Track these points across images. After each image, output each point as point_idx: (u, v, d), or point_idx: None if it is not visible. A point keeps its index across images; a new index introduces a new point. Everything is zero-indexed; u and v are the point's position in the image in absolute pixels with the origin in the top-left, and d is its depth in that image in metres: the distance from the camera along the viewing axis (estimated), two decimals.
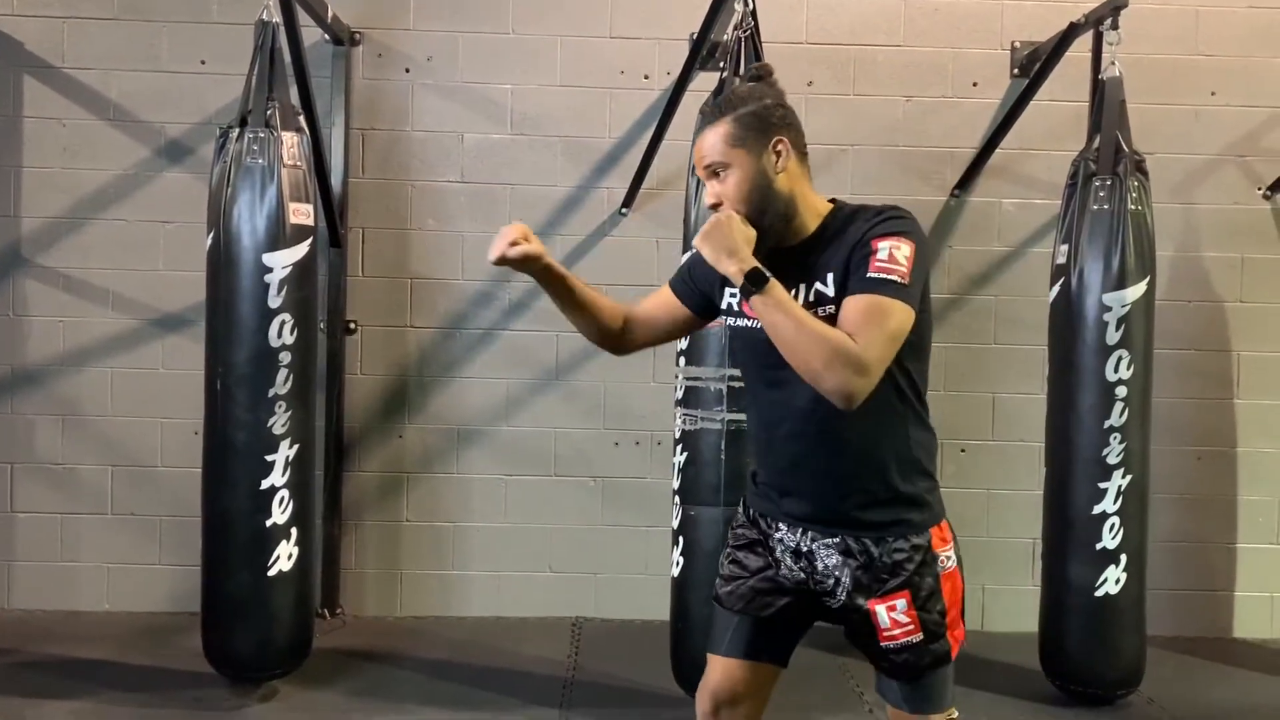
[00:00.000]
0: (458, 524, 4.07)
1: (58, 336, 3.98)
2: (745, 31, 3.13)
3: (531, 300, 4.01)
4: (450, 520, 4.07)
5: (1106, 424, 3.22)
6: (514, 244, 1.91)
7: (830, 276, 1.85)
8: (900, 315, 1.78)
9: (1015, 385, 4.01)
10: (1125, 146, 3.30)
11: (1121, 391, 3.22)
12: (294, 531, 3.19)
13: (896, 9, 4.00)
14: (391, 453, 4.06)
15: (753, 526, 2.06)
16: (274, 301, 3.09)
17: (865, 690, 3.35)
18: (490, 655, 3.70)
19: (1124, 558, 3.24)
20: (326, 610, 3.98)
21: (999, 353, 4.04)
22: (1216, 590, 4.08)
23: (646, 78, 4.00)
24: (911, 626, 1.89)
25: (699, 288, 2.08)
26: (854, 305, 1.78)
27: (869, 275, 1.78)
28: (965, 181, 4.00)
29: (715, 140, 1.90)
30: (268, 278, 3.09)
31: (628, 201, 3.97)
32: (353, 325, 4.02)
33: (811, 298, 1.86)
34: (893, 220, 1.84)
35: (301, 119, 3.24)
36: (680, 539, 3.12)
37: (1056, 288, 3.36)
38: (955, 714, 1.98)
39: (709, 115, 1.94)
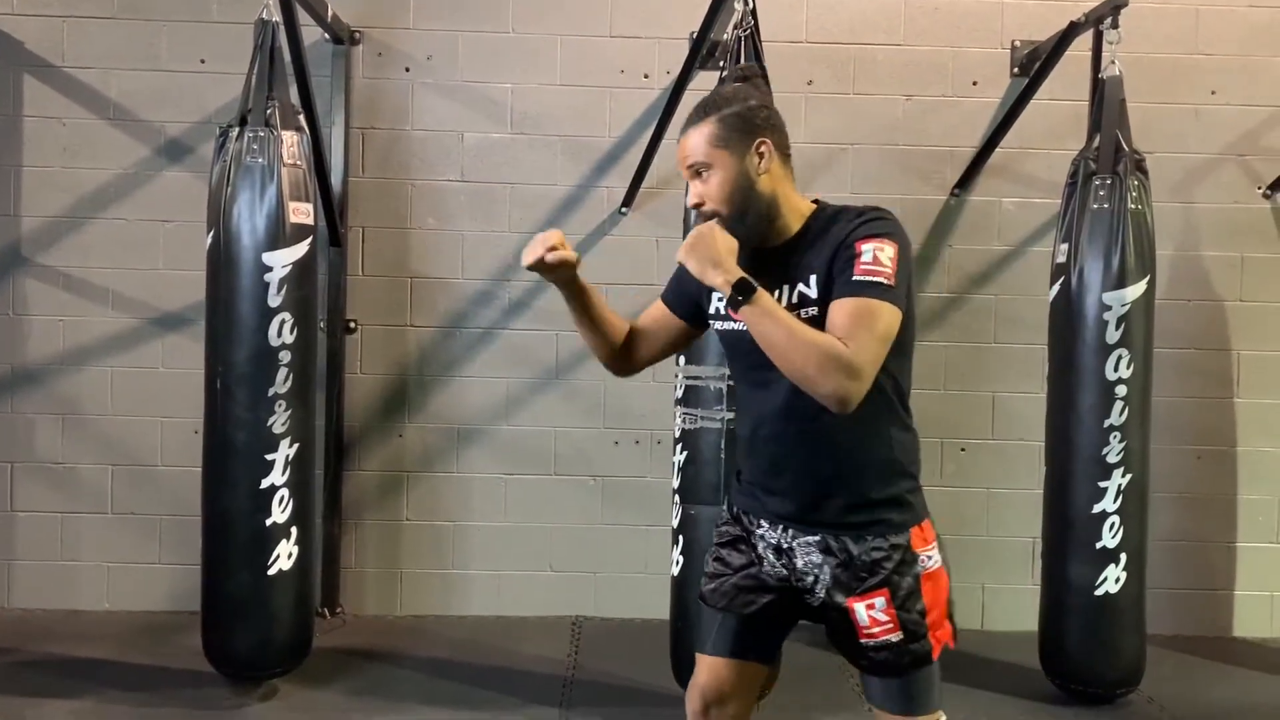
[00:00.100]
0: (458, 523, 4.08)
1: (58, 336, 3.98)
2: (745, 31, 3.13)
3: (531, 299, 4.01)
4: (450, 519, 4.08)
5: (1106, 423, 3.22)
6: (552, 249, 1.92)
7: (813, 278, 1.86)
8: (889, 317, 1.79)
9: (1015, 384, 4.01)
10: (1125, 145, 3.30)
11: (1121, 390, 3.22)
12: (294, 530, 3.19)
13: (896, 8, 4.00)
14: (391, 452, 4.06)
15: (736, 523, 2.07)
16: (274, 300, 3.09)
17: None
18: (490, 654, 3.70)
19: (1124, 557, 3.24)
20: (326, 609, 3.98)
21: (999, 352, 4.04)
22: (1216, 589, 4.08)
23: (646, 77, 4.00)
24: (890, 625, 1.89)
25: (688, 297, 2.08)
26: (842, 309, 1.79)
27: (855, 278, 1.79)
28: (965, 180, 4.00)
29: (699, 140, 1.91)
30: (267, 277, 3.09)
31: (628, 201, 3.97)
32: (353, 324, 4.02)
33: (795, 299, 1.87)
34: (875, 222, 1.85)
35: (301, 118, 3.24)
36: (680, 538, 3.12)
37: (1056, 287, 3.36)
38: (943, 718, 1.97)
39: (694, 115, 1.94)
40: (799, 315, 1.84)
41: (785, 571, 1.99)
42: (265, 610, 3.16)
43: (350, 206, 4.00)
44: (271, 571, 3.14)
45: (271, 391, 3.11)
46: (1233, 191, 4.03)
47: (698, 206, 1.94)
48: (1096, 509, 3.23)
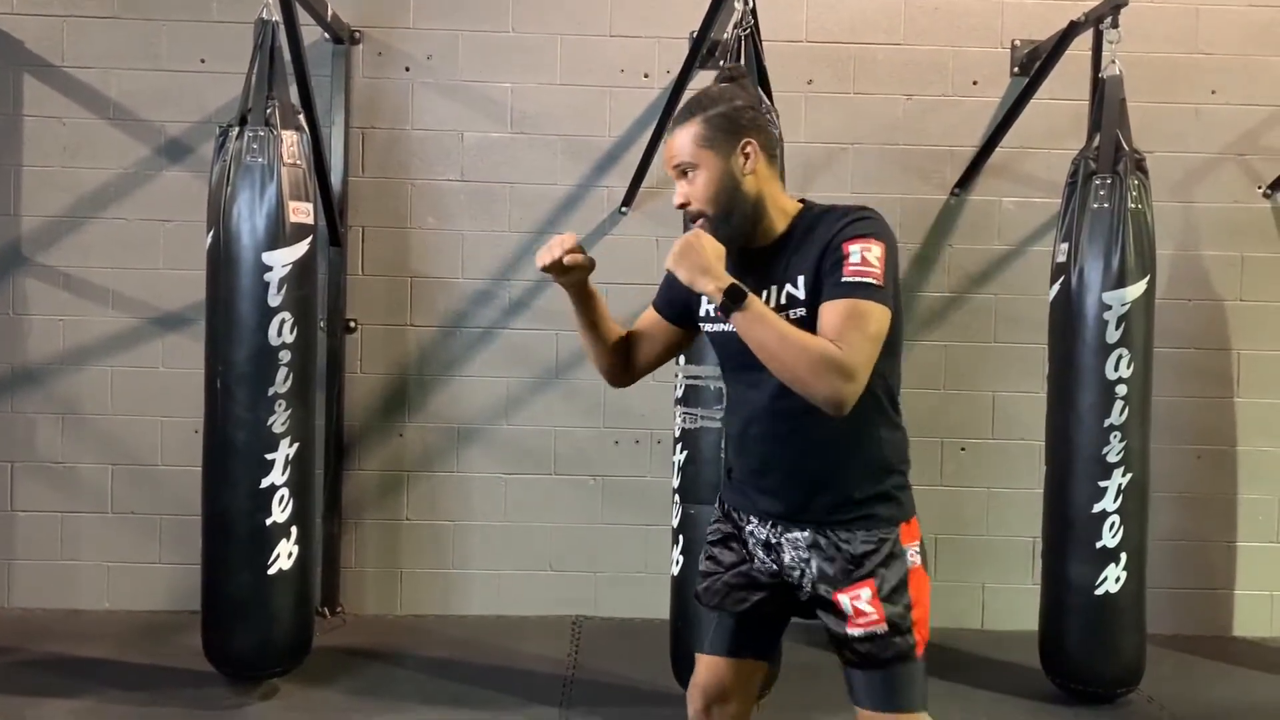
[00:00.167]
0: (458, 523, 4.07)
1: (58, 335, 3.98)
2: (745, 30, 3.14)
3: (531, 299, 4.01)
4: (450, 519, 4.08)
5: (1106, 422, 3.22)
6: (570, 252, 1.93)
7: (801, 279, 1.86)
8: (879, 317, 1.80)
9: (1015, 384, 4.01)
10: (1125, 145, 3.30)
11: (1121, 390, 3.22)
12: (294, 530, 3.19)
13: (896, 7, 4.00)
14: (391, 451, 4.06)
15: (727, 520, 2.09)
16: (274, 300, 3.09)
17: None
18: (490, 654, 3.70)
19: (1124, 556, 3.24)
20: (326, 609, 3.98)
21: (999, 351, 4.04)
22: (1216, 589, 4.08)
23: (646, 76, 4.00)
24: (875, 616, 1.89)
25: (679, 301, 2.08)
26: (833, 311, 1.79)
27: (844, 280, 1.80)
28: (965, 180, 4.00)
29: (685, 140, 1.91)
30: (267, 276, 3.08)
31: (628, 200, 3.97)
32: (353, 324, 4.02)
33: (783, 300, 1.88)
34: (860, 221, 1.85)
35: (301, 118, 3.24)
36: (680, 537, 3.12)
37: (1056, 286, 3.36)
38: None
39: (680, 116, 1.95)
40: (787, 316, 1.85)
41: (775, 567, 2.00)
42: (265, 610, 3.16)
43: (350, 206, 4.00)
44: (271, 571, 3.14)
45: (271, 391, 3.11)
46: (1233, 191, 4.03)
47: (683, 206, 1.94)
48: (1097, 508, 3.23)
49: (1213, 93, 4.01)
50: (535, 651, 3.71)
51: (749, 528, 2.03)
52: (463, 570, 4.08)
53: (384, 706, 3.26)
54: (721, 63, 3.31)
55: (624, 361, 2.14)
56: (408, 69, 3.99)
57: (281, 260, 3.10)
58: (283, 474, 3.14)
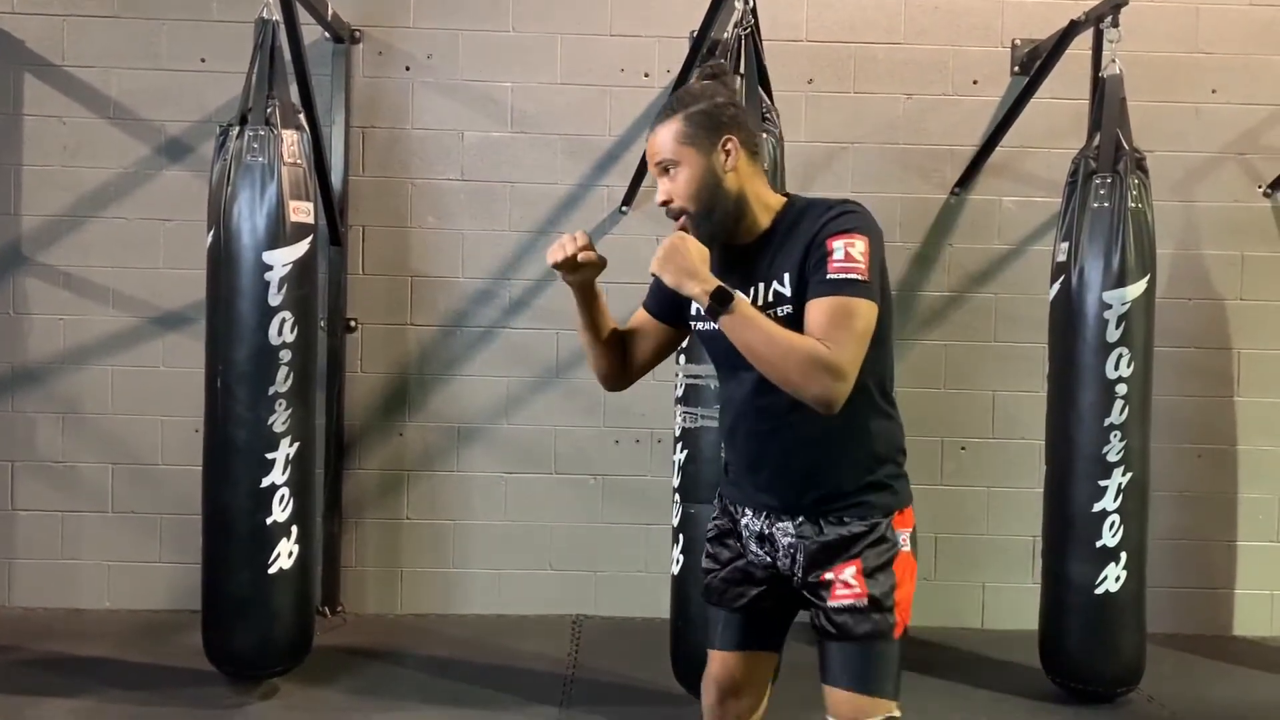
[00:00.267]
0: (458, 522, 4.08)
1: (58, 334, 3.98)
2: (745, 29, 3.14)
3: (531, 298, 4.01)
4: (451, 518, 4.08)
5: (1107, 422, 3.22)
6: (583, 249, 1.93)
7: (786, 277, 1.86)
8: (866, 313, 1.80)
9: (1015, 383, 4.01)
10: (1125, 144, 3.29)
11: (1122, 389, 3.22)
12: (294, 529, 3.19)
13: (896, 6, 4.00)
14: (392, 451, 4.06)
15: (724, 515, 2.10)
16: (274, 299, 3.09)
17: None
18: (490, 653, 3.70)
19: (1124, 555, 3.24)
20: (327, 608, 3.98)
21: (999, 350, 4.04)
22: (1217, 588, 4.08)
23: (647, 75, 4.00)
24: (858, 590, 1.89)
25: (669, 301, 2.08)
26: (819, 309, 1.79)
27: (829, 277, 1.80)
28: (965, 179, 4.00)
29: (666, 137, 1.92)
30: (268, 275, 3.08)
31: (628, 199, 3.97)
32: (353, 323, 4.02)
33: (770, 298, 1.88)
34: (844, 216, 1.85)
35: (301, 117, 3.23)
36: (680, 536, 3.12)
37: (1057, 285, 3.36)
38: (897, 714, 1.92)
39: (661, 113, 1.95)
40: (774, 314, 1.85)
41: (769, 559, 2.00)
42: (266, 609, 3.16)
43: (350, 205, 4.00)
44: (272, 570, 3.14)
45: (272, 390, 3.11)
46: (1233, 190, 4.03)
47: (666, 204, 1.94)
48: (1097, 507, 3.23)
49: (1213, 92, 4.01)
50: (535, 650, 3.71)
51: (744, 520, 2.04)
52: (463, 569, 4.08)
53: (384, 706, 3.26)
54: (722, 61, 3.31)
55: (621, 363, 2.14)
56: (408, 68, 3.99)
57: (282, 259, 3.10)
58: (283, 473, 3.14)
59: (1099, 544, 3.23)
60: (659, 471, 3.92)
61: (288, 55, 3.23)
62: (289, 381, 3.13)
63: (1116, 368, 3.21)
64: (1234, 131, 4.02)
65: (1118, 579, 3.24)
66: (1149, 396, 3.30)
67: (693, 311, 2.03)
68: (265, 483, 3.12)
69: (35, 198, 3.97)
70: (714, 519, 2.13)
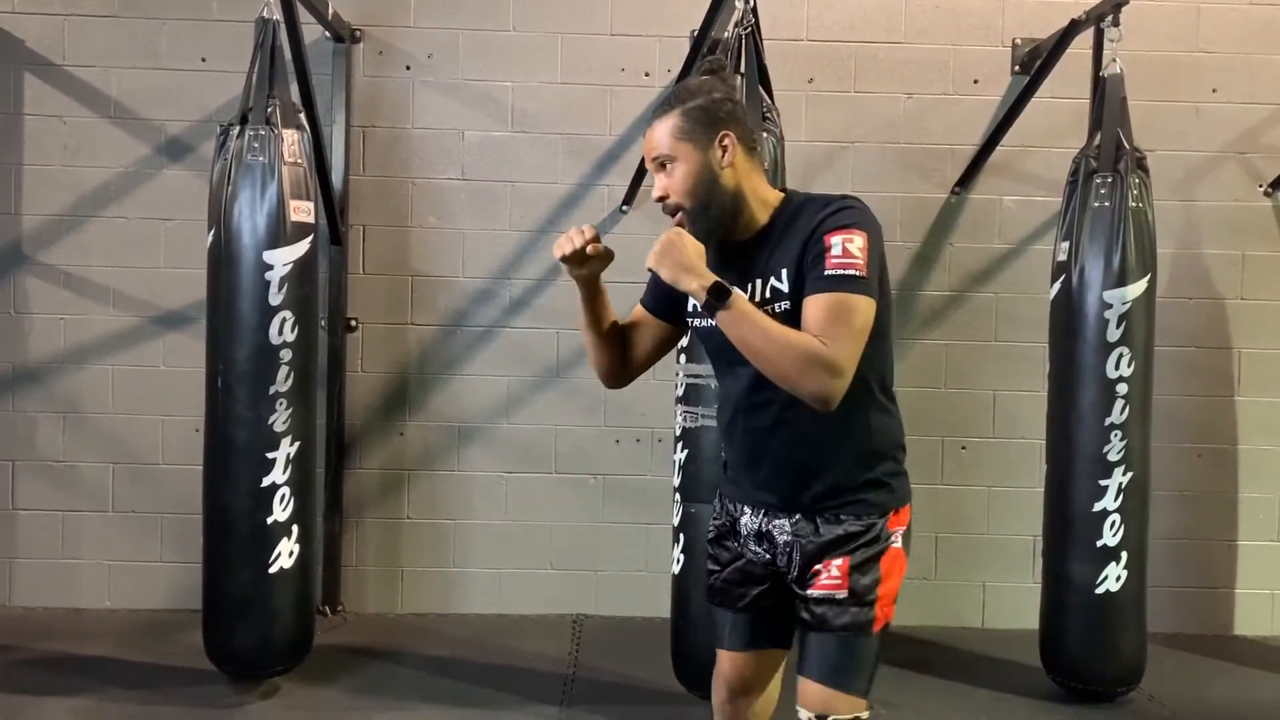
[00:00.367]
0: (458, 521, 4.08)
1: (59, 334, 3.98)
2: (746, 29, 3.14)
3: (532, 298, 4.01)
4: (451, 517, 4.08)
5: (1107, 421, 3.22)
6: (591, 241, 1.93)
7: (784, 272, 1.86)
8: (864, 309, 1.79)
9: (1016, 382, 4.00)
10: (1126, 143, 3.29)
11: (1122, 389, 3.21)
12: (295, 529, 3.19)
13: (897, 6, 4.00)
14: (392, 450, 4.06)
15: (724, 514, 2.10)
16: (275, 299, 3.09)
17: None
18: (491, 652, 3.70)
19: (1125, 555, 3.24)
20: (327, 607, 3.98)
21: (1000, 350, 4.04)
22: (1217, 587, 4.08)
23: (647, 75, 4.00)
24: (840, 581, 1.89)
25: (667, 297, 2.07)
26: (816, 305, 1.79)
27: (827, 273, 1.79)
28: (966, 179, 3.99)
29: (663, 133, 1.91)
30: (268, 275, 3.08)
31: (628, 199, 3.97)
32: (353, 323, 4.02)
33: (767, 294, 1.88)
34: (842, 212, 1.84)
35: (302, 116, 3.23)
36: (681, 536, 3.12)
37: (1057, 285, 3.36)
38: (865, 716, 1.92)
39: (659, 108, 1.94)
40: (772, 310, 1.85)
41: (768, 557, 2.00)
42: (266, 608, 3.16)
43: (351, 205, 4.00)
44: (272, 570, 3.14)
45: (272, 390, 3.11)
46: (1234, 189, 4.03)
47: (662, 199, 1.94)
48: (1097, 507, 3.23)
49: (1214, 91, 4.01)
50: (536, 650, 3.71)
51: (743, 519, 2.03)
52: (463, 569, 4.08)
53: (385, 705, 3.26)
54: (708, 58, 3.31)
55: (621, 359, 2.14)
56: (408, 67, 3.99)
57: (282, 259, 3.10)
58: (284, 473, 3.14)
59: (1099, 543, 3.23)
60: (659, 471, 3.92)
61: (288, 55, 3.23)
62: (289, 381, 3.13)
63: (1117, 367, 3.21)
64: (1234, 131, 4.01)
65: (1118, 578, 3.24)
66: (1149, 396, 3.30)
67: (690, 308, 2.03)
68: (266, 482, 3.12)
69: (36, 197, 3.97)
70: (713, 520, 2.13)
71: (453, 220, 4.02)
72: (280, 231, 3.10)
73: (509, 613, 4.06)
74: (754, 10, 3.14)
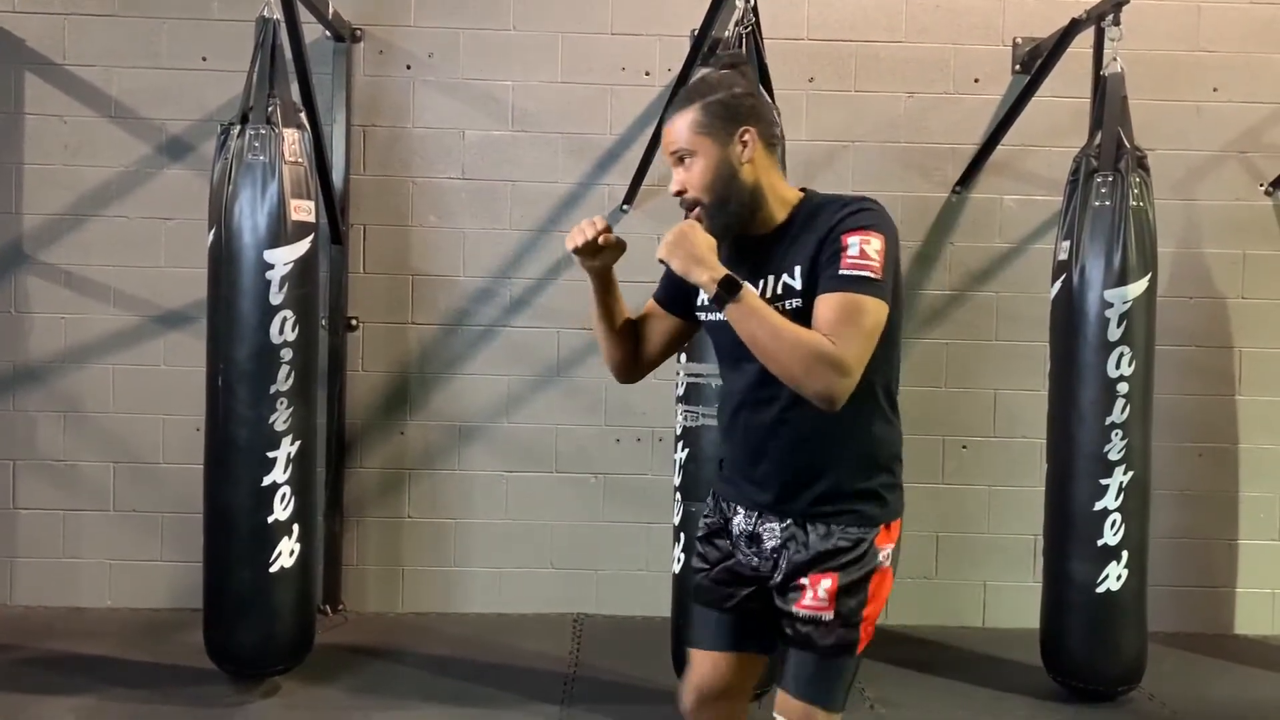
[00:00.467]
0: (459, 520, 4.08)
1: (59, 333, 3.98)
2: (746, 28, 3.14)
3: (532, 297, 4.01)
4: (452, 516, 4.08)
5: (1108, 420, 3.22)
6: (603, 232, 1.93)
7: (798, 270, 1.84)
8: (875, 312, 1.78)
9: (1017, 382, 4.00)
10: (1127, 142, 3.29)
11: (1123, 388, 3.21)
12: (295, 528, 3.19)
13: (897, 5, 4.00)
14: (393, 449, 4.06)
15: (716, 513, 2.08)
16: (275, 298, 3.09)
17: (866, 686, 3.35)
18: (491, 651, 3.70)
19: (1125, 554, 3.24)
20: (328, 606, 3.98)
21: (1000, 349, 4.04)
22: (1218, 586, 4.08)
23: (648, 74, 4.00)
24: (826, 603, 1.88)
25: (680, 292, 2.06)
26: (828, 304, 1.78)
27: (841, 273, 1.78)
28: (966, 178, 3.99)
29: (682, 127, 1.90)
30: (269, 274, 3.08)
31: (629, 198, 3.97)
32: (354, 322, 4.02)
33: (779, 290, 1.86)
34: (861, 213, 1.83)
35: (303, 115, 3.23)
36: (682, 535, 3.12)
37: (1058, 284, 3.36)
38: None
39: (678, 101, 1.93)
40: (783, 306, 1.83)
41: (756, 559, 1.99)
42: (267, 607, 3.16)
43: (351, 204, 4.00)
44: (273, 569, 3.14)
45: (273, 389, 3.11)
46: (1234, 188, 4.03)
47: (680, 194, 1.93)
48: (1098, 506, 3.23)
49: (1214, 90, 4.01)
50: (536, 649, 3.72)
51: (736, 520, 2.02)
52: (464, 568, 4.08)
53: (385, 704, 3.26)
54: (728, 52, 3.31)
55: (633, 354, 2.12)
56: (409, 67, 3.99)
57: (283, 258, 3.10)
58: (284, 472, 3.14)
59: (1100, 543, 3.23)
60: (660, 470, 3.92)
61: (289, 54, 3.23)
62: (290, 380, 3.13)
63: (1118, 366, 3.21)
64: (1235, 130, 4.01)
65: (1119, 577, 3.24)
66: (1150, 395, 3.30)
67: (699, 302, 2.02)
68: (266, 481, 3.12)
69: (36, 196, 3.97)
70: (705, 517, 2.11)
71: (453, 219, 4.02)
72: (281, 231, 3.10)
73: (509, 612, 4.06)
74: (754, 9, 3.14)
